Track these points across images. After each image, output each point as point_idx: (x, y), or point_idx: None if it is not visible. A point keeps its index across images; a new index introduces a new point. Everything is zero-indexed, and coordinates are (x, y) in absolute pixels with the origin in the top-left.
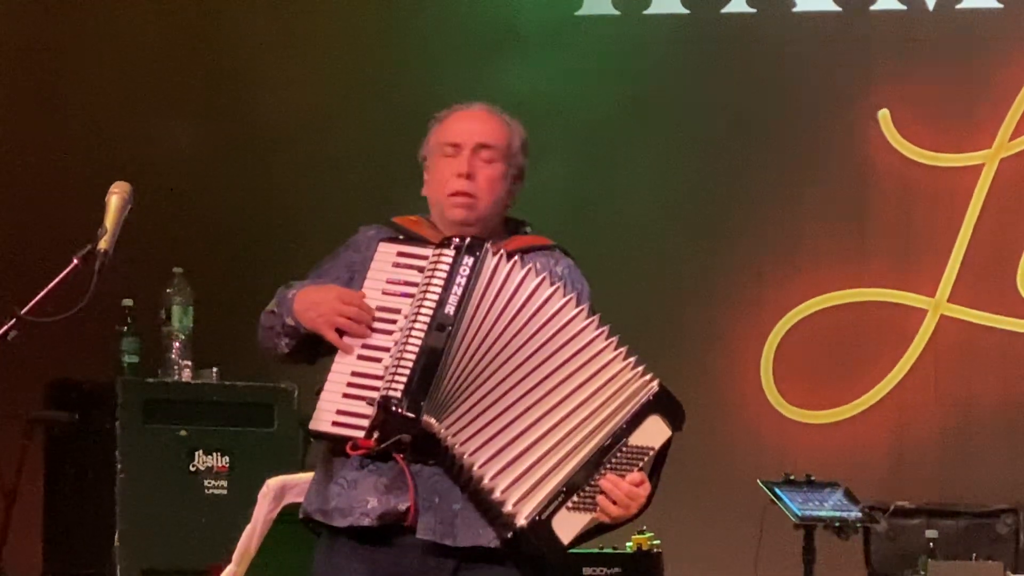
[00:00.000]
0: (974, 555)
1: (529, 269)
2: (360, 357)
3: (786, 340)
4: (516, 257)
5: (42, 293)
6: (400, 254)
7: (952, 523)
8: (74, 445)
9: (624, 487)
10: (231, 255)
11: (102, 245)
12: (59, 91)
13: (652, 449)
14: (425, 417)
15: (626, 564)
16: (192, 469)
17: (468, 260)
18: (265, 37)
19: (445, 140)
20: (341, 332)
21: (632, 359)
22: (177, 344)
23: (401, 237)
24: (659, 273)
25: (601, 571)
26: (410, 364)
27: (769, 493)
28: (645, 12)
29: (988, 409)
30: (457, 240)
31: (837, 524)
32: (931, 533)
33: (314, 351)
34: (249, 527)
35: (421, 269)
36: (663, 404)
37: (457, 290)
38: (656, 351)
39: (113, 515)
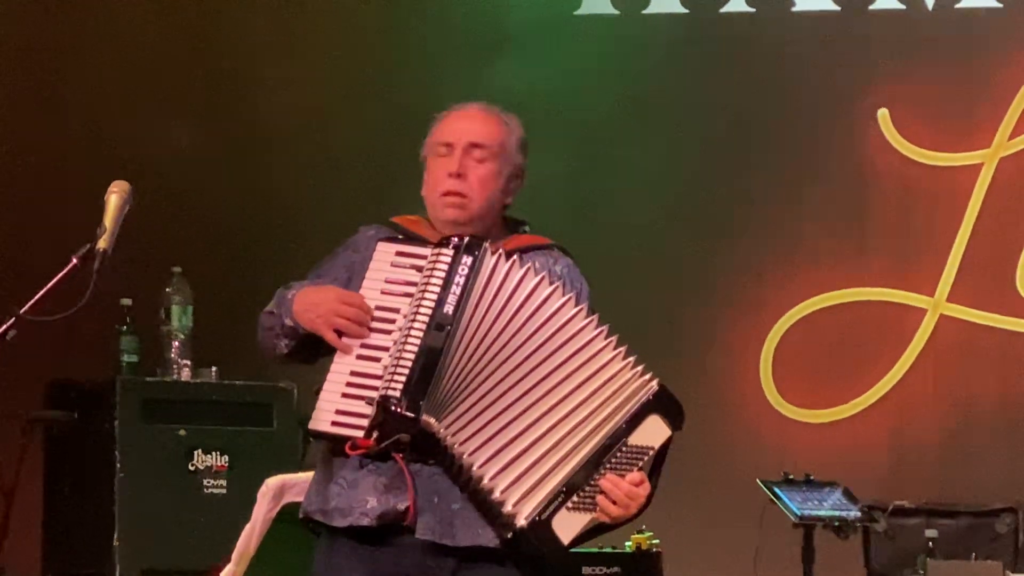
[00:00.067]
0: (973, 555)
1: (528, 268)
2: (359, 357)
3: (786, 340)
4: (515, 256)
5: (41, 292)
6: (399, 254)
7: (951, 522)
8: (73, 444)
9: (624, 487)
10: (230, 254)
11: (101, 244)
12: (59, 91)
13: (652, 449)
14: (424, 416)
15: (625, 563)
16: (191, 468)
17: (467, 259)
18: (265, 37)
19: (439, 140)
20: (340, 332)
21: (631, 358)
22: (176, 343)
23: (400, 237)
24: (658, 273)
25: (600, 570)
26: (409, 364)
27: (768, 492)
28: (644, 12)
29: (987, 408)
30: (456, 240)
31: (836, 524)
32: (930, 532)
33: (313, 351)
34: (248, 526)
35: (420, 269)
36: (663, 404)
37: (456, 289)
38: (655, 350)
39: (112, 514)
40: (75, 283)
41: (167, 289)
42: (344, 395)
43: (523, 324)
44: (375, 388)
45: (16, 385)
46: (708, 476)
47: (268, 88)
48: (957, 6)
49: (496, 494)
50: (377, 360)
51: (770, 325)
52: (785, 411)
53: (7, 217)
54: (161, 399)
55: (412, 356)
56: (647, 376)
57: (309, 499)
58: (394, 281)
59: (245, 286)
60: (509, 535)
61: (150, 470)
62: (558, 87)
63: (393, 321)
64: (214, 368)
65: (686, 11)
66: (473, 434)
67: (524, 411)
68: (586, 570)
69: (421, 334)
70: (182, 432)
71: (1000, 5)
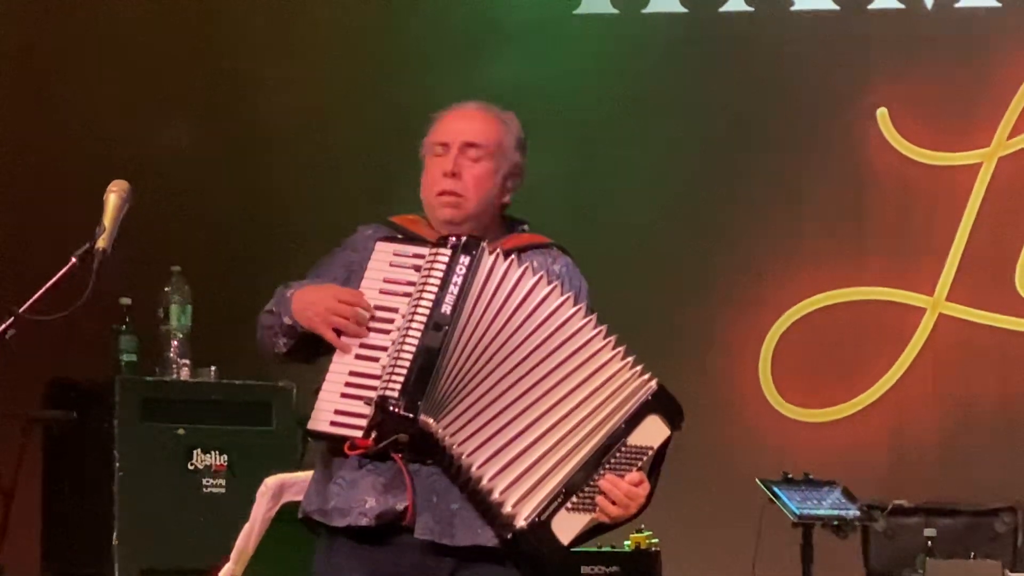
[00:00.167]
0: (972, 554)
1: (526, 267)
2: (358, 357)
3: (785, 339)
4: (513, 256)
5: (40, 292)
6: (397, 253)
7: (950, 522)
8: (72, 444)
9: (623, 487)
10: (229, 254)
11: (100, 244)
12: (59, 90)
13: (651, 449)
14: (422, 416)
15: (624, 563)
16: (190, 468)
17: (464, 259)
18: (265, 37)
19: (435, 140)
20: (339, 332)
21: (630, 358)
22: (175, 343)
23: (399, 236)
24: (657, 272)
25: (599, 570)
26: (407, 364)
27: (767, 492)
28: (643, 11)
29: (986, 408)
30: (453, 239)
31: (835, 523)
32: (929, 532)
33: (313, 350)
34: (247, 526)
35: (418, 268)
36: (662, 403)
37: (454, 289)
38: (655, 350)
39: (111, 514)
40: (74, 282)
41: (166, 288)
42: (343, 395)
43: (521, 323)
44: (374, 388)
45: (15, 384)
46: (707, 475)
47: (268, 88)
48: (956, 5)
49: (495, 495)
50: (376, 360)
51: (769, 324)
52: (784, 410)
53: (7, 217)
54: (160, 398)
55: (410, 356)
56: (646, 376)
57: (308, 499)
58: (392, 280)
59: (244, 285)
60: (509, 536)
61: (149, 469)
62: (557, 86)
63: (392, 321)
64: (213, 367)
65: (685, 10)
66: (472, 434)
67: (523, 411)
68: (585, 569)
69: (419, 334)
70: (181, 431)
71: (999, 4)
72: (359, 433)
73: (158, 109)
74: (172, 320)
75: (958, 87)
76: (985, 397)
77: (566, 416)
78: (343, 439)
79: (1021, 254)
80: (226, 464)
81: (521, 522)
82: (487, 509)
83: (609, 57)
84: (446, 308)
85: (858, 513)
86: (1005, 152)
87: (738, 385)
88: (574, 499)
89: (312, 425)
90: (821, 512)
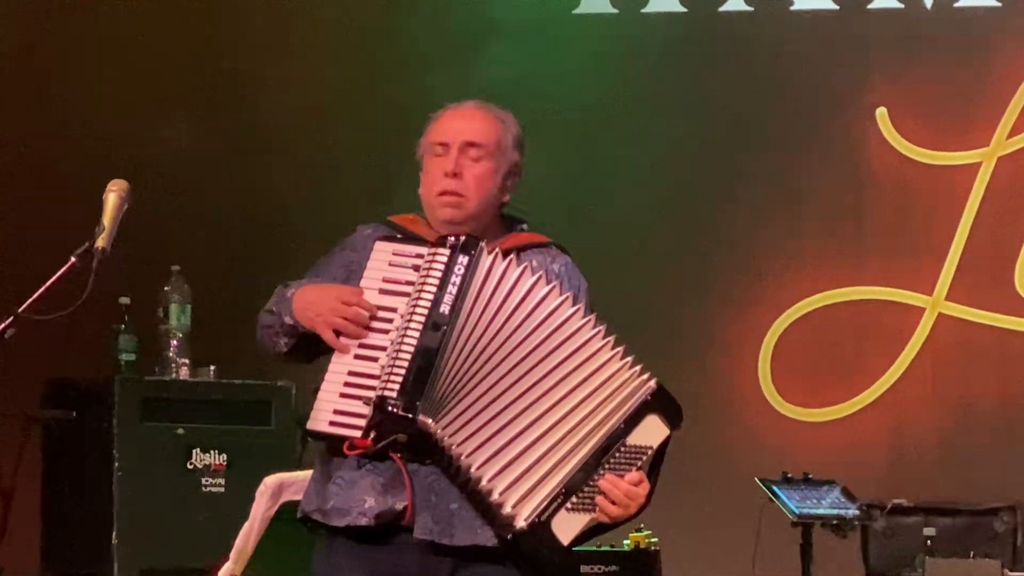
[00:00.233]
0: (972, 553)
1: (525, 267)
2: (357, 357)
3: (784, 338)
4: (512, 255)
5: (40, 291)
6: (396, 253)
7: (950, 521)
8: (71, 443)
9: (623, 487)
10: (229, 253)
11: (100, 243)
12: (59, 90)
13: (650, 448)
14: (421, 417)
15: (624, 562)
16: (190, 467)
17: (463, 259)
18: (265, 37)
19: (434, 140)
20: (338, 332)
21: (630, 358)
22: (175, 342)
23: (398, 236)
24: (657, 272)
25: (599, 569)
26: (406, 364)
27: (767, 491)
28: (643, 10)
29: (986, 407)
30: (452, 239)
31: (835, 522)
32: (929, 531)
33: (313, 350)
34: (246, 525)
35: (417, 268)
36: (661, 403)
37: (452, 289)
38: (654, 350)
39: (111, 513)
40: (74, 282)
41: (166, 288)
42: (342, 395)
43: (520, 323)
44: (373, 388)
45: (14, 384)
46: (707, 475)
47: (268, 88)
48: (956, 5)
49: (495, 495)
50: (375, 360)
51: (769, 324)
52: (784, 410)
53: (7, 217)
54: (160, 398)
55: (408, 356)
56: (645, 375)
57: (307, 499)
58: (392, 280)
59: (244, 285)
60: (509, 536)
61: (148, 469)
62: (557, 86)
63: (391, 321)
64: (212, 367)
65: (685, 10)
66: (471, 434)
67: (522, 411)
68: (585, 568)
69: (417, 334)
70: (180, 431)
71: (999, 4)
72: (358, 433)
73: (158, 109)
74: (172, 320)
75: (958, 87)
76: (984, 397)
77: (565, 416)
78: (342, 439)
79: (1020, 254)
80: (225, 463)
81: (521, 522)
82: (487, 509)
83: (608, 57)
84: (445, 308)
85: (857, 512)
86: (1004, 152)
87: (738, 385)
88: (574, 499)
89: (311, 425)
90: (820, 511)
